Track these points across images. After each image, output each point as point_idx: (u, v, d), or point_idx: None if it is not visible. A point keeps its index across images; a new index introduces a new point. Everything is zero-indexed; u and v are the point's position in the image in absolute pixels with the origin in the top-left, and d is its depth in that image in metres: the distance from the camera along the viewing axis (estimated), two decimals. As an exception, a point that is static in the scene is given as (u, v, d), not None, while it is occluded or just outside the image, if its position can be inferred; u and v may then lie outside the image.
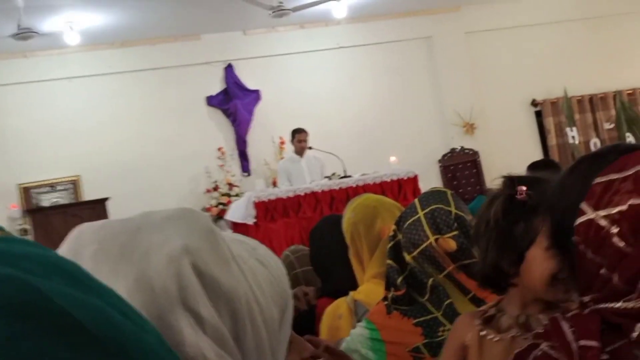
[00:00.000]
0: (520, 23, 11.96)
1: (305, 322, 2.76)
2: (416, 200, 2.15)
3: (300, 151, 9.79)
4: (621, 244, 1.06)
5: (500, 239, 1.66)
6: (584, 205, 1.11)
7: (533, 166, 4.96)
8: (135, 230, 0.81)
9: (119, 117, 10.45)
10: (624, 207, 1.06)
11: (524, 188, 1.65)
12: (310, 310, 3.13)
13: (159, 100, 10.64)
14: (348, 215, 2.63)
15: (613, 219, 1.08)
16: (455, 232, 2.05)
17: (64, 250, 0.82)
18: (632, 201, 1.05)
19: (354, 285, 2.61)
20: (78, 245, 0.81)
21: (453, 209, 2.09)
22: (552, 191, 1.22)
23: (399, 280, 2.07)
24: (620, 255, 1.06)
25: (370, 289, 2.48)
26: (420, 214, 2.08)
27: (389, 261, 2.10)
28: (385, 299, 2.10)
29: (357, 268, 2.59)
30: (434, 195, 2.14)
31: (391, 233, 2.15)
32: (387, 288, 2.10)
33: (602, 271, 1.09)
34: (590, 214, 1.10)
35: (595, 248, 1.10)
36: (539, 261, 1.62)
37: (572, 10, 12.02)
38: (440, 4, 11.44)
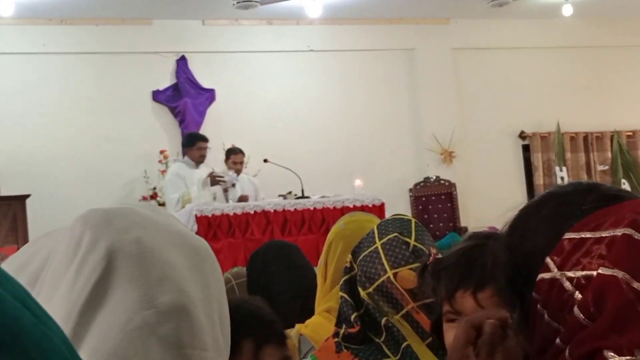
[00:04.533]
0: (514, 44, 11.70)
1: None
2: (375, 228, 2.13)
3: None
4: (581, 315, 1.01)
5: None
6: (549, 260, 1.07)
7: None
8: None
9: (49, 105, 9.92)
10: (592, 273, 1.01)
11: None
12: None
13: (97, 91, 10.14)
14: (338, 224, 2.67)
15: (579, 284, 1.03)
16: (414, 265, 1.99)
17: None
18: (601, 270, 1.00)
19: (299, 321, 2.66)
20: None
21: (412, 241, 2.06)
22: (514, 229, 1.17)
23: (353, 316, 2.03)
24: (578, 327, 1.01)
25: (319, 324, 2.51)
26: (378, 244, 2.06)
27: (343, 294, 2.06)
28: (335, 334, 2.06)
29: (319, 281, 2.63)
30: (394, 222, 2.11)
31: (347, 264, 2.13)
32: (339, 324, 2.06)
33: (557, 341, 1.04)
34: (554, 272, 1.06)
35: (553, 311, 1.05)
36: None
37: (573, 36, 11.73)
38: (427, 14, 11.17)
